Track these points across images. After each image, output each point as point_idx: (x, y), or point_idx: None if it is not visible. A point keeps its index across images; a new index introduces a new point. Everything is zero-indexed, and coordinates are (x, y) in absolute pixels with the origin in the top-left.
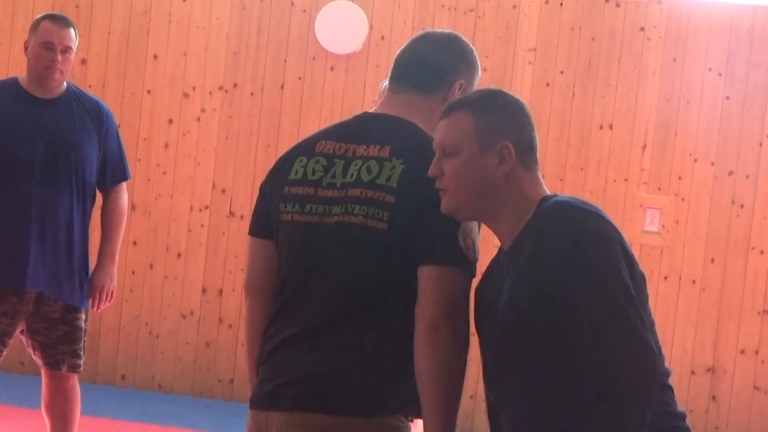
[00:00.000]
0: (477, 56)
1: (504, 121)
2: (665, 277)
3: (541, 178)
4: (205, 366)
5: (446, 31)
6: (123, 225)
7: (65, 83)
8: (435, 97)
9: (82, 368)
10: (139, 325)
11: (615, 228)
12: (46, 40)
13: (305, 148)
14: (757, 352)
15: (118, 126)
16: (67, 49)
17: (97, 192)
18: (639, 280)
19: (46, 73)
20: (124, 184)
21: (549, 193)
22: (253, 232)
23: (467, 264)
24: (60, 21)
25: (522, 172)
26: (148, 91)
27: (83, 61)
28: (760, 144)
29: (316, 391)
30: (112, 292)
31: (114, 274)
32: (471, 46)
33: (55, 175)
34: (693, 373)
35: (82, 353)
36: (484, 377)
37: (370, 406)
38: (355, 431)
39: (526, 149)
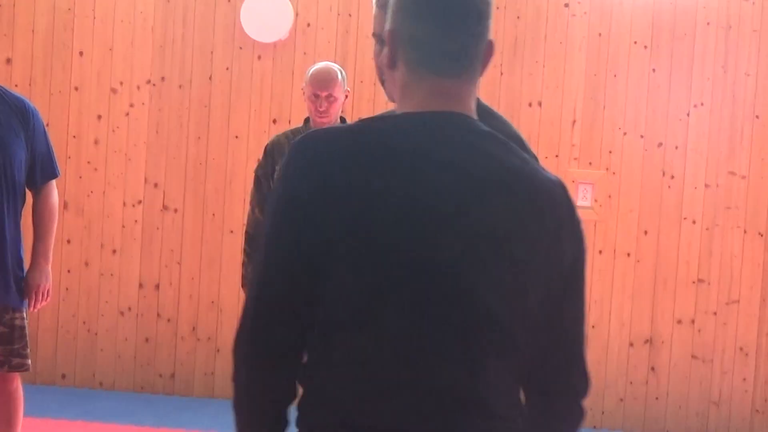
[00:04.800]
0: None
1: (390, 7)
2: (600, 251)
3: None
4: (146, 361)
5: None
6: (55, 223)
7: None
8: None
9: (28, 367)
10: (77, 324)
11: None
12: None
13: None
14: (693, 322)
15: (46, 124)
16: None
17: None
18: None
19: None
20: (54, 181)
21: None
22: None
23: None
24: None
25: (405, 73)
26: (76, 88)
27: (8, 61)
28: (688, 114)
29: None
30: (47, 291)
31: (49, 272)
32: None
33: None
34: (631, 344)
35: (25, 352)
36: None
37: None
38: None
39: (406, 42)
